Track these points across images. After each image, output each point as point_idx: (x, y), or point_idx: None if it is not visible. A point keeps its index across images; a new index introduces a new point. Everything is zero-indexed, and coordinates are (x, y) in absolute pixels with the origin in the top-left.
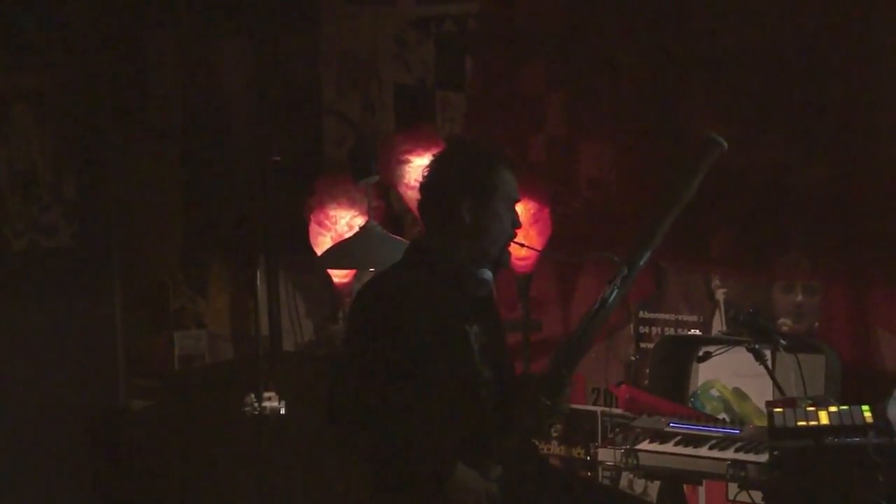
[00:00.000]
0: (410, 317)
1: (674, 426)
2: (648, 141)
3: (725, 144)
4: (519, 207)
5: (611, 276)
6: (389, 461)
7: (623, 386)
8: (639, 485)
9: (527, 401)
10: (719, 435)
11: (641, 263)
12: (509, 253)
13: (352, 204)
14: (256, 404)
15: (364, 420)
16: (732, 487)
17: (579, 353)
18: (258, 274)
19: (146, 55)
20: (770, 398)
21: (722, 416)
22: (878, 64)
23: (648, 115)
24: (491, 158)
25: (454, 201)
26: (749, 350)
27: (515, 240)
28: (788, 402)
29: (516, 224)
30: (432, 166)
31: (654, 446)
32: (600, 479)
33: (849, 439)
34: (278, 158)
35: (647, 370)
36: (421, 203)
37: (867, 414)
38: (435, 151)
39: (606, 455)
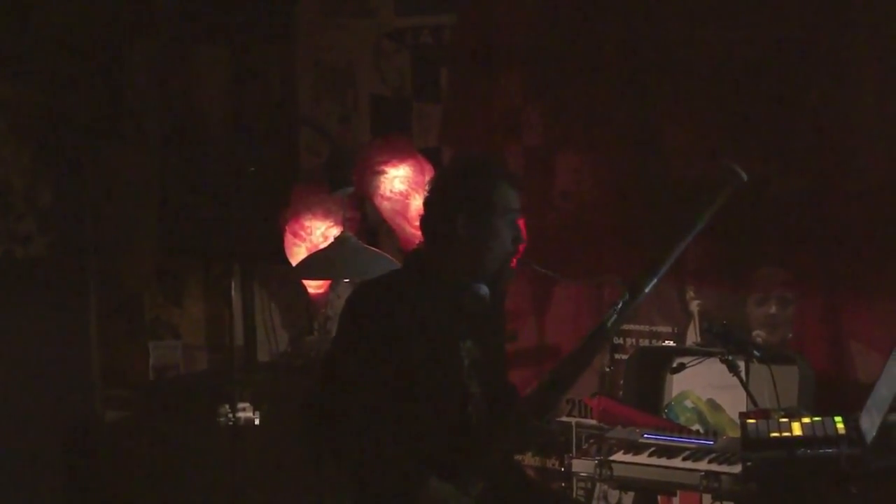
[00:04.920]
0: (399, 326)
1: (648, 437)
2: (624, 152)
3: (745, 176)
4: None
5: (588, 290)
6: (362, 471)
7: (598, 397)
8: (613, 496)
9: (515, 419)
10: (693, 446)
11: (647, 290)
12: (511, 269)
13: (327, 214)
14: (231, 415)
15: (339, 428)
16: (706, 498)
17: (574, 375)
18: (233, 284)
19: (123, 64)
20: (744, 409)
21: (696, 427)
22: (854, 76)
23: (624, 127)
24: (490, 173)
25: (451, 215)
26: (723, 361)
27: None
28: (761, 414)
29: (518, 239)
30: (433, 182)
31: (629, 457)
32: (574, 491)
33: (821, 450)
34: (254, 169)
35: (622, 381)
36: (422, 217)
37: (840, 425)
38: (411, 163)
39: (581, 466)
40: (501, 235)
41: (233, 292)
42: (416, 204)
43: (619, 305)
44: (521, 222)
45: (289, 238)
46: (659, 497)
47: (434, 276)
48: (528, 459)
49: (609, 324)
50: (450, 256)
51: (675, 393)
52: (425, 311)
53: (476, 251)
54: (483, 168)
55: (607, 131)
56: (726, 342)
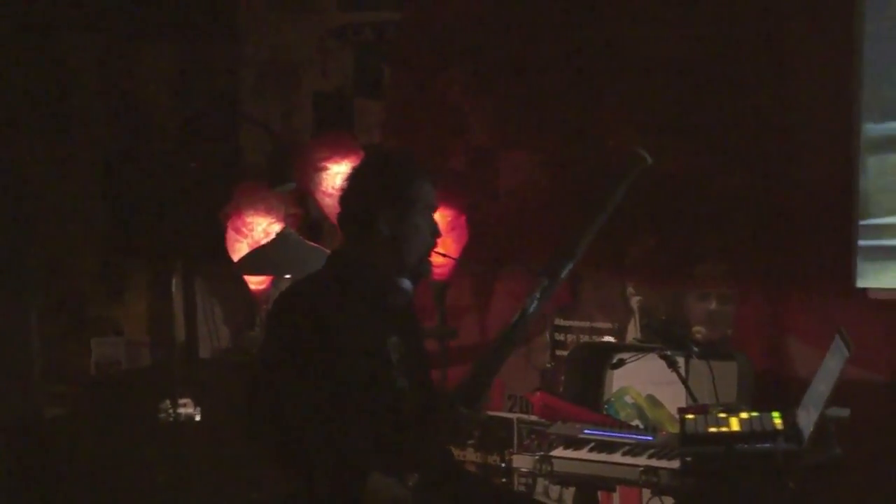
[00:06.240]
0: (327, 326)
1: (588, 433)
2: (567, 150)
3: (650, 159)
4: (437, 215)
5: (530, 286)
6: (304, 469)
7: (538, 393)
8: (554, 491)
9: (445, 410)
10: (632, 441)
11: (563, 275)
12: (430, 262)
13: (269, 211)
14: (171, 411)
15: (279, 428)
16: (646, 493)
17: (498, 362)
18: (174, 280)
19: (66, 61)
20: (683, 405)
21: (636, 422)
22: (794, 74)
23: (567, 124)
24: (409, 168)
25: (372, 212)
26: (662, 357)
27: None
28: (700, 409)
29: (436, 233)
30: (351, 177)
31: (569, 453)
32: (516, 486)
33: (759, 445)
34: (195, 165)
35: (563, 377)
36: (340, 214)
37: (777, 420)
38: (352, 160)
39: (521, 462)
40: (422, 230)
41: (174, 288)
42: None
43: (539, 291)
44: (464, 218)
45: (230, 234)
46: (599, 492)
47: (357, 274)
48: (470, 455)
49: (530, 310)
50: (372, 253)
51: (615, 389)
52: (351, 309)
53: (398, 246)
54: (402, 164)
55: (552, 129)
56: (665, 338)
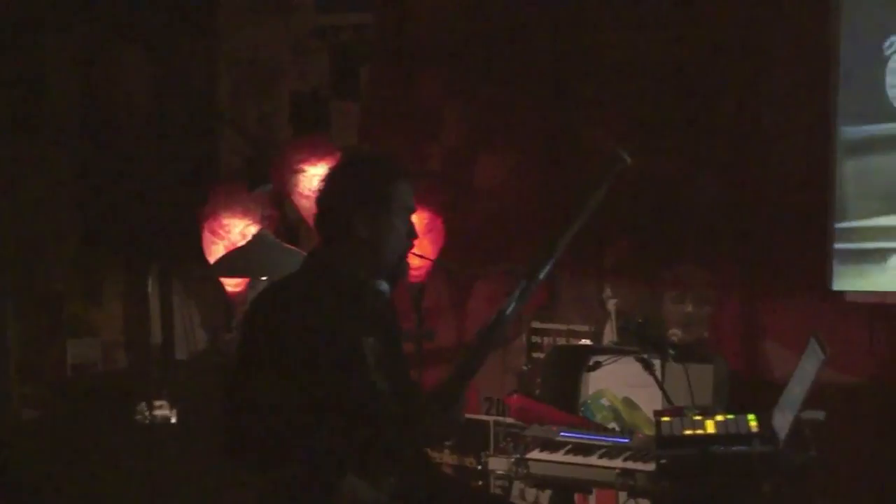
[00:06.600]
0: (304, 328)
1: (564, 435)
2: (544, 151)
3: (629, 160)
4: (414, 217)
5: (508, 288)
6: (279, 471)
7: (515, 395)
8: (530, 493)
9: (423, 412)
10: (609, 444)
11: (541, 276)
12: (407, 264)
13: (245, 213)
14: (147, 413)
15: (255, 430)
16: (622, 496)
17: (476, 365)
18: (150, 282)
19: (44, 61)
20: (659, 407)
21: (612, 425)
22: (771, 77)
23: (544, 126)
24: (386, 170)
25: (349, 214)
26: (638, 360)
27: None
28: (676, 412)
29: (413, 234)
30: (327, 179)
31: (545, 455)
32: (492, 489)
33: (734, 448)
34: (173, 166)
35: (539, 380)
36: (317, 216)
37: (753, 423)
38: (329, 161)
39: (497, 464)
40: (399, 231)
41: (150, 290)
42: None
43: (517, 292)
44: (440, 220)
45: (207, 236)
46: (575, 494)
47: (334, 274)
48: (446, 458)
49: (508, 311)
50: (349, 254)
51: (591, 391)
52: (328, 311)
53: (375, 248)
54: (379, 165)
55: (526, 131)
56: (642, 341)
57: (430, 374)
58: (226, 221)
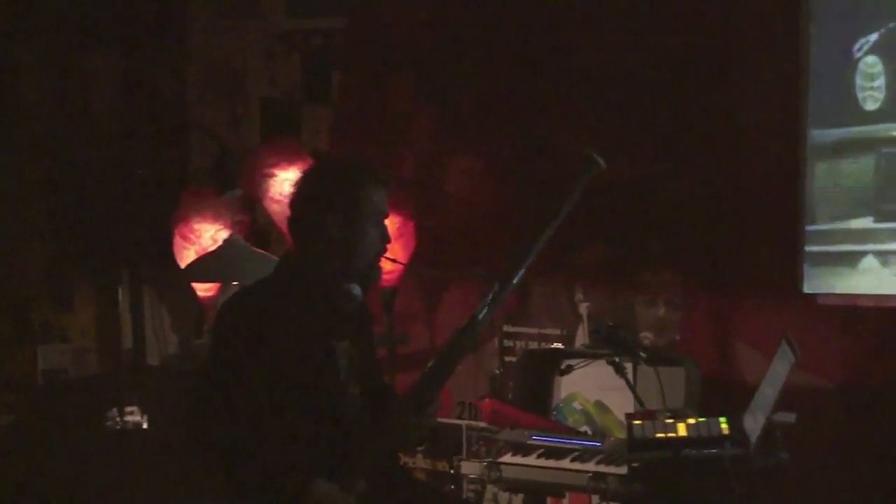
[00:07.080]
0: (274, 332)
1: (536, 439)
2: (515, 156)
3: (604, 164)
4: (386, 221)
5: (480, 292)
6: (249, 475)
7: (487, 399)
8: (503, 497)
9: (394, 416)
10: (581, 447)
11: (514, 281)
12: (379, 268)
13: (216, 217)
14: (119, 419)
15: (224, 434)
16: (595, 499)
17: (448, 369)
18: (121, 287)
19: (13, 65)
20: (631, 411)
21: (584, 428)
22: (741, 80)
23: (516, 130)
24: (358, 174)
25: (322, 218)
26: (610, 363)
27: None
28: (647, 415)
29: (386, 239)
30: (300, 183)
31: (517, 459)
32: (465, 493)
33: (705, 450)
34: (142, 172)
35: (511, 383)
36: (290, 219)
37: (724, 425)
38: (300, 166)
39: (470, 468)
40: (371, 235)
41: (121, 296)
42: None
43: (490, 297)
44: (412, 225)
45: (178, 241)
46: (548, 498)
47: (306, 278)
48: (419, 462)
49: (480, 316)
50: (321, 258)
51: (563, 395)
52: (299, 315)
53: (347, 252)
54: (352, 169)
55: (499, 134)
56: (613, 344)
57: (402, 377)
58: (196, 226)
